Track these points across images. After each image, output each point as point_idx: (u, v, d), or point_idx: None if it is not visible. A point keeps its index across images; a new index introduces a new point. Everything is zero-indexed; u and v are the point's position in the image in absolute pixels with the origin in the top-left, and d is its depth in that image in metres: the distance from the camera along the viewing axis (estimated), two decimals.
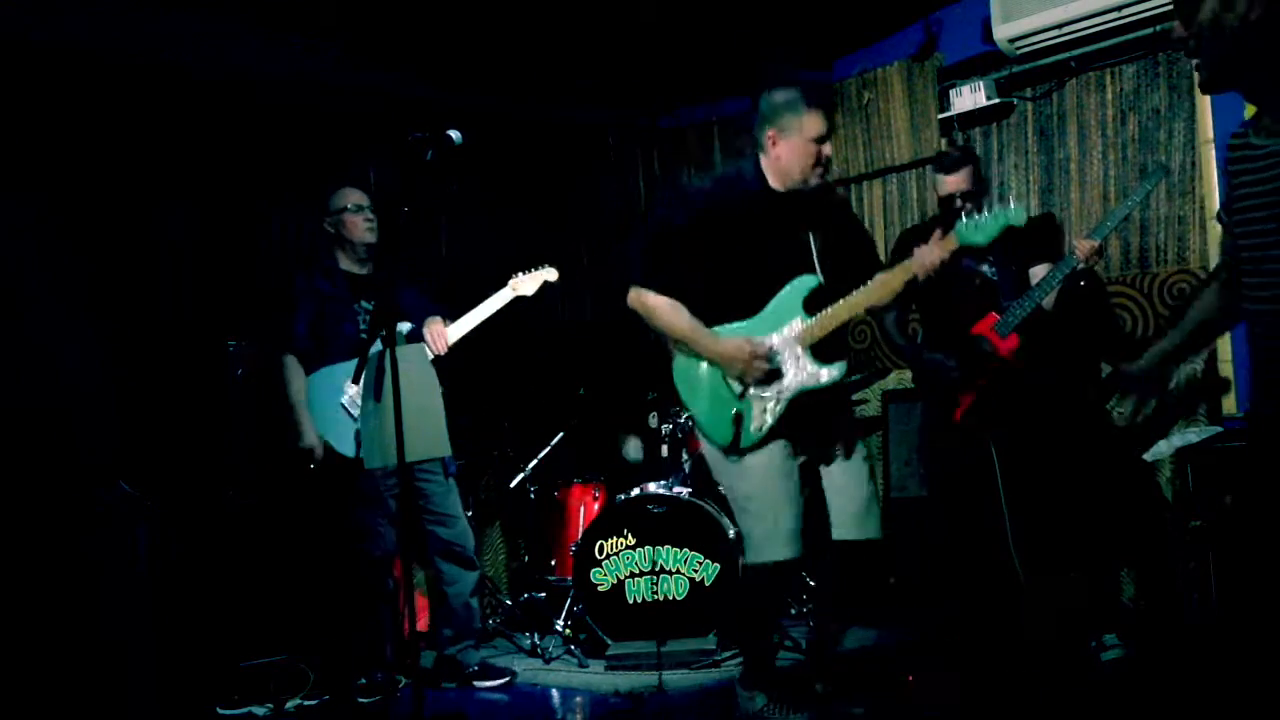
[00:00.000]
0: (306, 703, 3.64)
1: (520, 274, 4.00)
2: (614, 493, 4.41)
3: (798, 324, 2.97)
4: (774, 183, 3.00)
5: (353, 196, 3.91)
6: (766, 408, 2.97)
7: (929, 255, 2.86)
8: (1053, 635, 3.40)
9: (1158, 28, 3.86)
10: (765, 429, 2.96)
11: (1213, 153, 3.88)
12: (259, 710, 3.59)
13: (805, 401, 2.97)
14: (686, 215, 3.00)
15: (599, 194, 5.82)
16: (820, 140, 2.92)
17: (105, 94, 4.10)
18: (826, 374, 2.96)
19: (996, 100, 4.39)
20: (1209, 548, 3.32)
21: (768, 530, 2.96)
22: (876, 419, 4.66)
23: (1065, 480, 3.59)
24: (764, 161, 3.01)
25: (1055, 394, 3.73)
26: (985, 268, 3.71)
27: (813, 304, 2.97)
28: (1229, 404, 3.83)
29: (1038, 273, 3.63)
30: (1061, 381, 3.83)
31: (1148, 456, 3.81)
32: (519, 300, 3.98)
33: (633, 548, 4.05)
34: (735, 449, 2.98)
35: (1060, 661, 3.28)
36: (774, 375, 2.95)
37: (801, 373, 2.97)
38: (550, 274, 4.02)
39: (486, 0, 4.18)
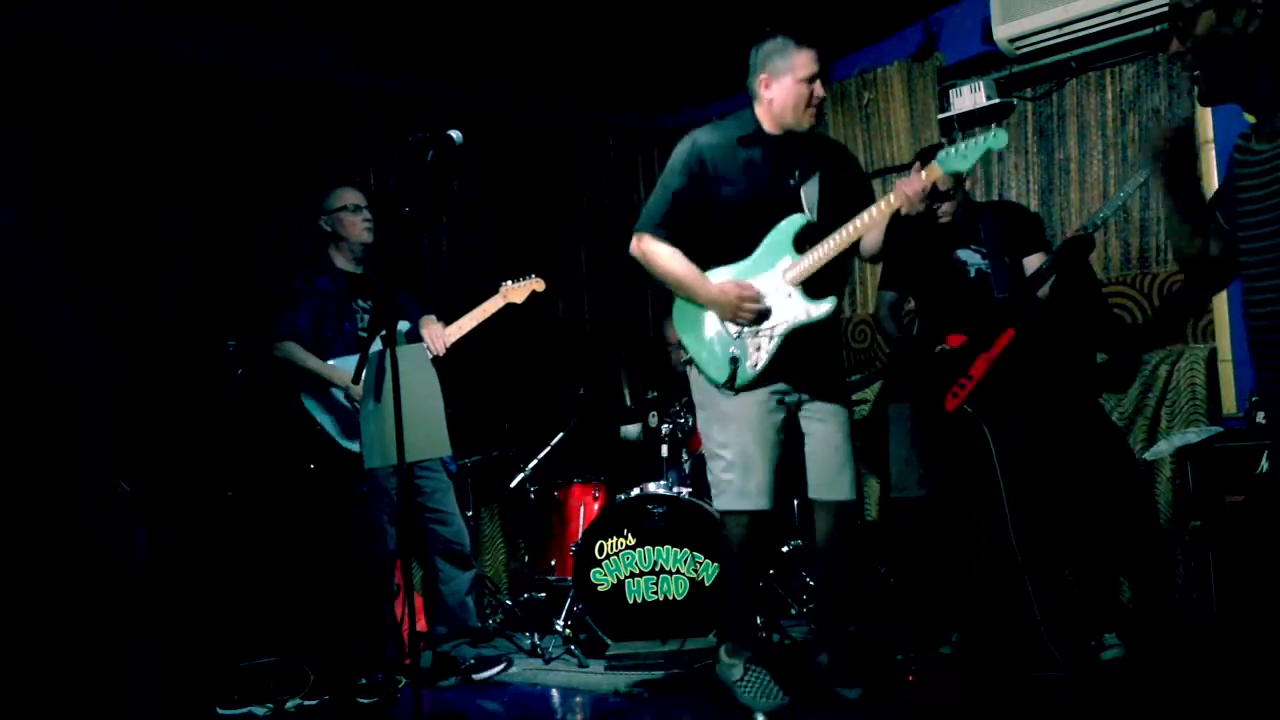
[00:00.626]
0: (306, 703, 3.64)
1: (509, 282, 4.07)
2: (614, 493, 4.41)
3: (788, 262, 3.06)
4: (768, 127, 3.09)
5: (350, 196, 3.92)
6: (760, 345, 3.06)
7: (910, 185, 2.89)
8: (1053, 630, 3.39)
9: (1158, 28, 3.86)
10: (761, 366, 3.06)
11: (1213, 153, 3.87)
12: (259, 710, 3.59)
13: (799, 339, 3.06)
14: (685, 165, 3.12)
15: (599, 194, 5.82)
16: (811, 79, 2.99)
17: (105, 93, 4.09)
18: (818, 309, 3.03)
19: (996, 100, 4.38)
20: (1209, 548, 3.32)
21: (742, 480, 3.06)
22: (876, 419, 4.65)
23: (1063, 480, 3.59)
24: (758, 109, 3.11)
25: (1052, 390, 3.73)
26: (978, 259, 3.72)
27: (803, 242, 3.05)
28: (1229, 404, 3.83)
29: (1030, 263, 3.65)
30: (1058, 378, 3.83)
31: (1148, 456, 3.81)
32: (510, 306, 4.05)
33: (633, 548, 4.05)
34: (731, 386, 3.07)
35: (1060, 660, 3.28)
36: (765, 314, 3.05)
37: (793, 310, 3.05)
38: (538, 284, 4.09)
39: (486, 1, 4.18)
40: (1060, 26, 4.03)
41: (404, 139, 2.98)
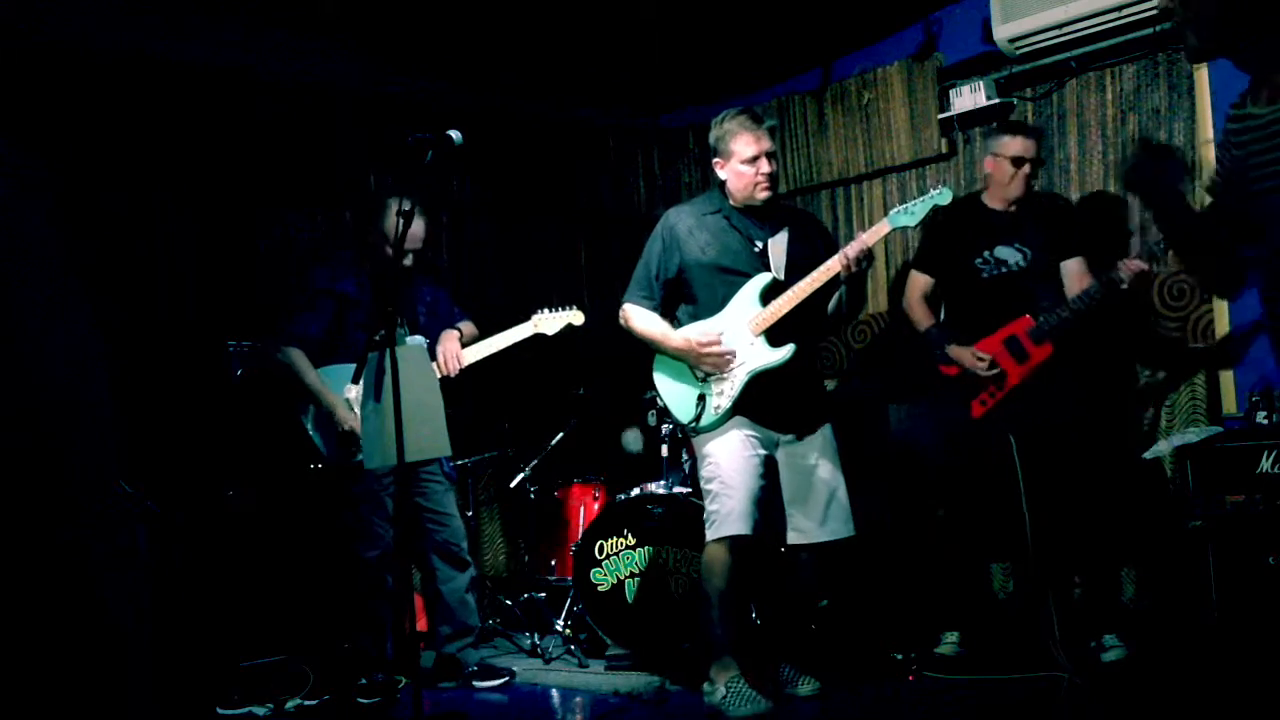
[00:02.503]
0: (306, 703, 3.64)
1: (545, 310, 3.98)
2: (614, 493, 4.41)
3: (754, 314, 3.35)
4: (733, 202, 3.44)
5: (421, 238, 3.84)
6: (724, 390, 3.34)
7: (852, 248, 3.21)
8: (1054, 630, 3.39)
9: (1158, 28, 3.86)
10: (724, 409, 3.33)
11: (1213, 153, 3.87)
12: (259, 710, 3.59)
13: (766, 382, 3.32)
14: (659, 239, 3.47)
15: (598, 194, 5.82)
16: (754, 160, 3.32)
17: (106, 92, 4.10)
18: (777, 354, 3.30)
19: (996, 100, 4.38)
20: (1209, 548, 3.32)
21: (723, 507, 3.28)
22: (877, 418, 4.66)
23: (1076, 481, 3.58)
24: (724, 185, 3.45)
25: (1083, 399, 3.70)
26: (1019, 257, 3.67)
27: (770, 298, 3.35)
28: (1229, 404, 3.83)
29: (1069, 268, 3.63)
30: (1091, 388, 3.80)
31: (1147, 455, 3.81)
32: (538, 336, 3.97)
33: (633, 548, 4.05)
34: (697, 426, 3.36)
35: (1060, 660, 3.28)
36: (726, 359, 3.32)
37: (755, 356, 3.32)
38: (576, 317, 3.99)
39: (486, 0, 4.18)
40: (1060, 26, 4.02)
41: (404, 139, 2.98)
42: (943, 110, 4.56)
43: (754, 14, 4.49)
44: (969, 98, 4.43)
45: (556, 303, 4.08)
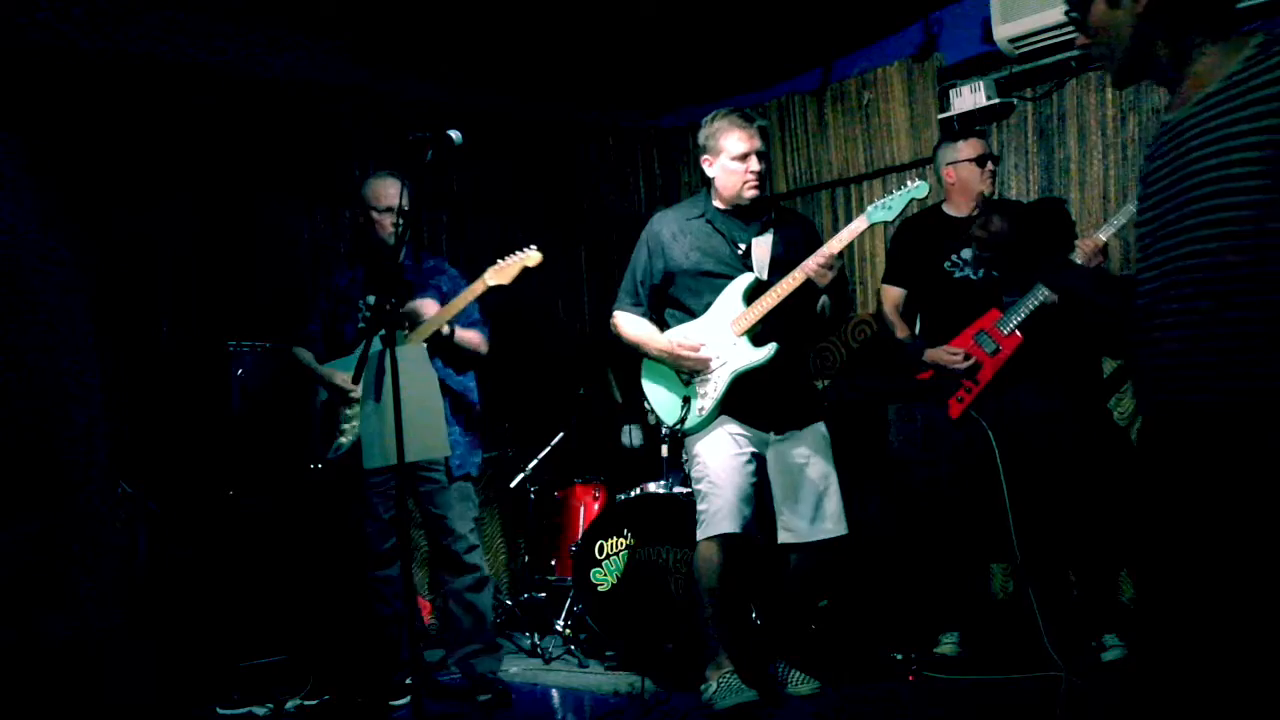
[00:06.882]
0: (306, 703, 3.64)
1: (499, 260, 3.63)
2: (614, 493, 4.41)
3: (737, 314, 3.37)
4: (718, 203, 3.46)
5: (387, 197, 3.72)
6: (708, 391, 3.37)
7: (813, 260, 3.22)
8: (1053, 630, 3.39)
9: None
10: (709, 411, 3.36)
11: None
12: (259, 710, 3.59)
13: (748, 383, 3.34)
14: (645, 244, 3.50)
15: (598, 194, 5.82)
16: (744, 157, 3.34)
17: (106, 92, 4.10)
18: (758, 355, 3.31)
19: (996, 100, 4.38)
20: None
21: (711, 506, 3.32)
22: (877, 419, 4.66)
23: (1064, 478, 3.59)
24: (711, 187, 3.47)
25: (1056, 391, 3.74)
26: (976, 269, 3.73)
27: (752, 298, 3.36)
28: None
29: None
30: (1062, 379, 3.83)
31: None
32: (500, 291, 3.63)
33: (633, 547, 4.05)
34: (682, 428, 3.40)
35: (1060, 661, 3.28)
36: (705, 361, 3.36)
37: (737, 356, 3.34)
38: (530, 259, 3.59)
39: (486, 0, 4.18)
40: (1060, 26, 4.02)
41: (403, 138, 2.98)
42: (943, 110, 4.56)
43: (754, 14, 4.49)
44: (969, 98, 4.44)
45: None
